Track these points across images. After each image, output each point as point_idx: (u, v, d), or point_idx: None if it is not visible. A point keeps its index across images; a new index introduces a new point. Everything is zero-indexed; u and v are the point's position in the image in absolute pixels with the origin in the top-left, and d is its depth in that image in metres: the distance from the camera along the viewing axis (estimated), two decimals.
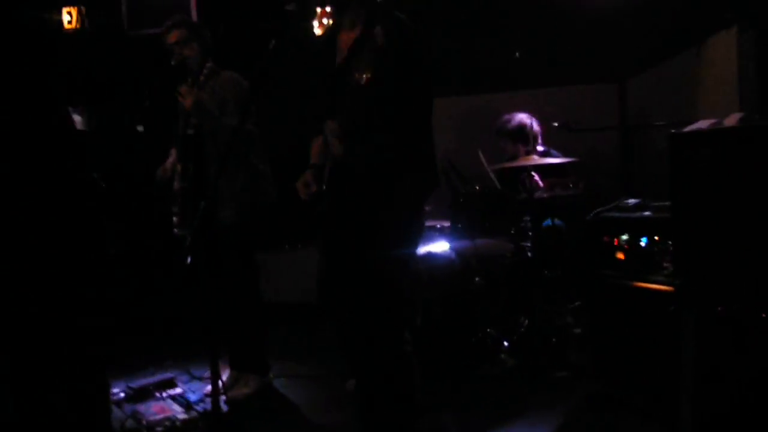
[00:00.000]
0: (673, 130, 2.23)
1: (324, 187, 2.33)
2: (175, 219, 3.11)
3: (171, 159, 3.21)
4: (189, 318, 3.59)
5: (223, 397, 2.97)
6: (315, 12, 4.25)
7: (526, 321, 3.44)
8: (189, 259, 2.85)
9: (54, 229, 1.85)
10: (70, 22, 4.97)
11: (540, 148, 4.00)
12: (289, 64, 3.40)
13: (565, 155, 3.77)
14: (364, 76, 2.12)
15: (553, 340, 3.36)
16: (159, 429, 2.73)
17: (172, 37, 3.09)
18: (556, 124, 3.64)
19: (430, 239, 3.62)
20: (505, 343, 3.36)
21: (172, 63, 3.06)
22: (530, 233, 3.59)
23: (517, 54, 4.62)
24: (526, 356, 3.29)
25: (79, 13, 4.95)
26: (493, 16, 4.27)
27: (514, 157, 3.81)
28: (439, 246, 3.58)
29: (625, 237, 2.81)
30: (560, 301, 3.61)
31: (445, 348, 3.29)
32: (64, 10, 4.92)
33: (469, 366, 3.25)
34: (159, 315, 4.07)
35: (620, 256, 2.83)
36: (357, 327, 2.28)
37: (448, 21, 4.26)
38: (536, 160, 3.50)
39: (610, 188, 4.07)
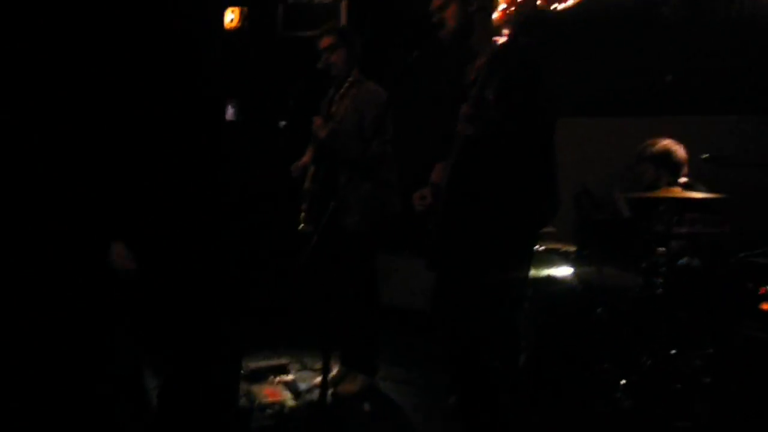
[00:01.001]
0: None
1: (439, 205, 2.35)
2: (302, 216, 3.26)
3: (305, 158, 3.37)
4: (307, 311, 3.73)
5: (330, 391, 3.07)
6: None
7: (649, 362, 3.22)
8: (307, 257, 2.98)
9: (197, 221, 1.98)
10: (232, 21, 5.36)
11: (684, 179, 3.74)
12: (427, 75, 3.44)
13: (711, 191, 3.50)
14: (491, 96, 2.12)
15: (678, 386, 3.12)
16: (268, 411, 2.87)
17: (323, 42, 3.24)
18: (705, 156, 3.39)
19: (552, 263, 3.51)
20: (623, 382, 3.18)
21: (318, 66, 3.20)
22: (663, 269, 3.37)
23: (668, 77, 4.35)
24: (644, 399, 3.09)
25: (241, 13, 5.34)
26: (646, 34, 4.05)
27: (654, 186, 3.59)
28: (562, 271, 3.46)
29: None
30: (690, 347, 3.35)
31: (557, 378, 3.17)
32: (229, 10, 5.32)
33: (579, 400, 3.11)
34: (278, 305, 4.25)
35: (765, 306, 2.60)
36: (454, 343, 2.30)
37: (593, 38, 4.10)
38: (677, 192, 3.27)
39: (761, 232, 3.71)
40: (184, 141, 1.72)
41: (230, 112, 5.03)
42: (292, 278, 3.62)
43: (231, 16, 5.37)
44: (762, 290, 2.58)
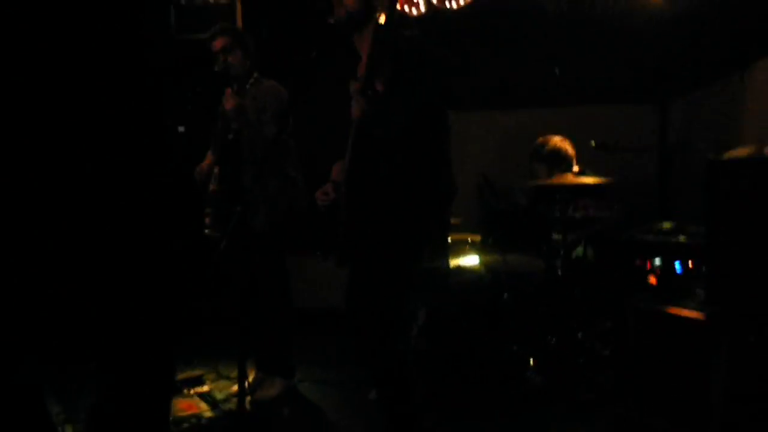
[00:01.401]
0: (711, 157, 2.21)
1: (341, 199, 2.38)
2: (207, 220, 3.19)
3: (207, 161, 3.30)
4: (218, 318, 3.66)
5: (248, 398, 3.03)
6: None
7: (554, 340, 3.41)
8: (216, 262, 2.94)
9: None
10: None
11: (575, 168, 3.97)
12: (326, 74, 3.46)
13: (601, 176, 3.74)
14: (378, 86, 2.18)
15: (581, 361, 3.32)
16: (185, 425, 2.79)
17: (217, 44, 3.18)
18: (593, 143, 3.61)
19: (460, 253, 3.62)
20: (532, 362, 3.34)
21: (216, 69, 3.14)
22: (561, 252, 3.57)
23: (556, 70, 4.60)
24: (552, 376, 3.26)
25: None
26: (533, 30, 4.26)
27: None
28: (469, 260, 3.58)
29: (658, 261, 2.78)
30: (589, 323, 3.57)
31: (470, 363, 3.29)
32: None
33: (493, 383, 3.24)
34: (188, 313, 4.14)
35: (652, 280, 2.81)
36: (370, 336, 2.34)
37: (487, 35, 4.27)
38: (571, 179, 3.48)
39: (647, 212, 4.01)
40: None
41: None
42: (203, 285, 3.54)
43: None
44: (648, 265, 2.78)
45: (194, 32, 4.73)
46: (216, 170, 3.20)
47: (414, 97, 2.19)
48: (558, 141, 3.93)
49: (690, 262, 2.70)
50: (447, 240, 2.84)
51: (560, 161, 3.89)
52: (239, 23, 4.53)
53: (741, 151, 2.21)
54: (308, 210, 3.19)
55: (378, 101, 2.20)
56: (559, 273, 3.54)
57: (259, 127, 3.06)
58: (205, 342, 3.94)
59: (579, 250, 3.70)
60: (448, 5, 4.12)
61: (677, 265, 2.74)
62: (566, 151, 3.90)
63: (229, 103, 2.98)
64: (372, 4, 2.30)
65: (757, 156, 2.09)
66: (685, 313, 2.51)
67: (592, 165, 3.97)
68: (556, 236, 3.56)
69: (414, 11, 4.24)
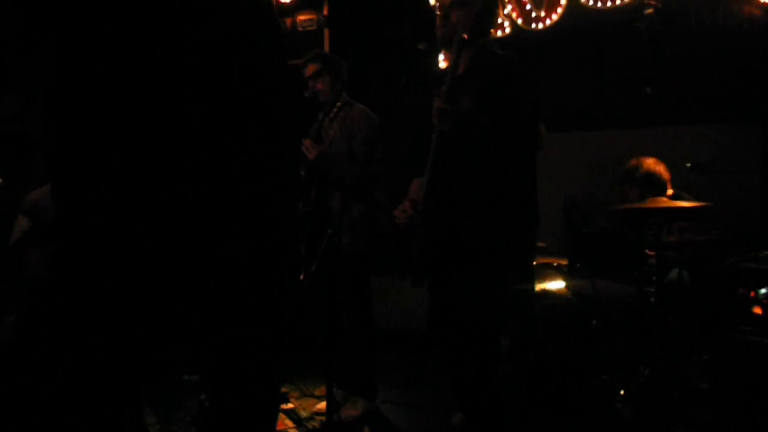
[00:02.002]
0: None
1: (418, 217, 2.37)
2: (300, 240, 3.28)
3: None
4: (304, 336, 3.72)
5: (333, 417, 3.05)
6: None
7: (647, 371, 3.25)
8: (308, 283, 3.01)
9: None
10: None
11: (670, 191, 3.80)
12: (416, 99, 3.50)
13: (697, 199, 3.56)
14: (466, 103, 2.17)
15: (676, 394, 3.15)
16: None
17: (308, 70, 3.28)
18: (689, 165, 3.45)
19: (546, 277, 3.54)
20: (622, 392, 3.19)
21: (306, 95, 3.24)
22: (654, 278, 3.41)
23: (648, 89, 4.45)
24: (644, 409, 3.10)
25: None
26: (624, 48, 4.14)
27: None
28: (556, 284, 3.49)
29: (763, 290, 2.61)
30: (685, 353, 3.38)
31: (557, 390, 3.19)
32: None
33: (581, 413, 3.12)
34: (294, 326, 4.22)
35: (757, 310, 2.64)
36: (456, 359, 2.31)
37: (575, 54, 4.19)
38: (665, 202, 3.33)
39: (748, 237, 3.78)
40: None
41: None
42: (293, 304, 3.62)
43: None
44: (753, 294, 2.61)
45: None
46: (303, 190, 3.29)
47: (502, 116, 2.17)
48: (651, 163, 3.77)
49: None
50: (532, 263, 2.78)
51: (654, 184, 3.74)
52: (327, 48, 4.68)
53: None
54: (392, 231, 3.22)
55: (463, 118, 2.20)
56: (652, 300, 3.38)
57: (347, 156, 3.13)
58: (290, 359, 4.01)
59: (674, 275, 3.53)
60: (534, 26, 4.09)
61: None
62: (660, 173, 3.74)
63: (312, 153, 3.07)
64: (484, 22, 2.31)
65: None
66: None
67: (688, 188, 3.79)
68: (649, 261, 3.41)
69: (499, 33, 4.23)
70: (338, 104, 3.27)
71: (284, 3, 4.80)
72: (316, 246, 3.22)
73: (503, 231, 2.24)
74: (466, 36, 2.22)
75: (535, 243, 2.61)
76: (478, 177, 2.23)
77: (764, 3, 3.95)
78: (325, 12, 4.76)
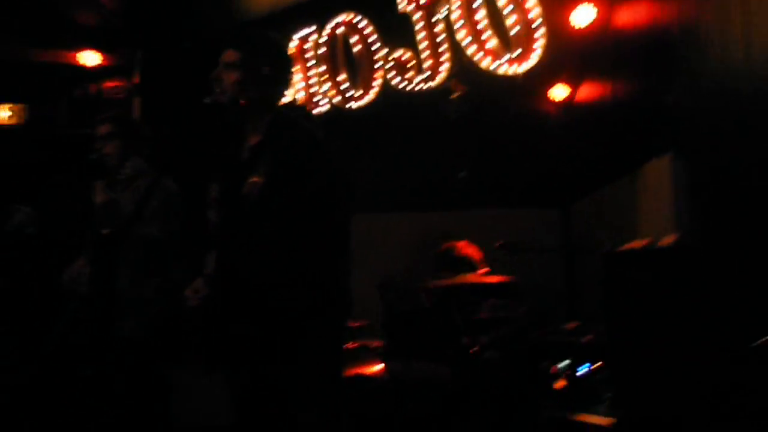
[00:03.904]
0: (607, 250, 2.13)
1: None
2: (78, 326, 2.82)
3: (80, 262, 2.96)
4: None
5: None
6: None
7: None
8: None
9: None
10: (10, 118, 4.87)
11: (483, 270, 3.88)
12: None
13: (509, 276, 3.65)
14: (255, 179, 2.00)
15: None
16: None
17: (99, 131, 2.96)
18: (497, 245, 3.54)
19: (361, 359, 3.36)
20: None
21: (90, 158, 2.90)
22: (468, 358, 3.37)
23: (462, 173, 4.61)
24: None
25: (20, 110, 4.87)
26: (436, 133, 4.28)
27: None
28: (371, 367, 3.32)
29: (564, 363, 2.63)
30: None
31: None
32: (5, 107, 4.83)
33: None
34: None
35: (560, 384, 2.63)
36: None
37: (389, 136, 4.25)
38: (473, 278, 3.35)
39: (556, 313, 3.93)
40: None
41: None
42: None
43: (8, 113, 4.89)
44: (554, 368, 2.62)
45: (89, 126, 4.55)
46: (88, 271, 2.86)
47: (296, 190, 2.03)
48: (463, 246, 3.84)
49: (599, 362, 2.55)
50: (338, 350, 2.57)
51: (466, 265, 3.79)
52: (137, 114, 4.36)
53: (636, 244, 2.14)
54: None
55: (254, 192, 2.03)
56: (466, 381, 3.32)
57: (134, 225, 2.80)
58: None
59: (488, 354, 3.52)
60: (350, 105, 4.12)
61: (585, 366, 2.58)
62: (471, 255, 3.81)
63: (99, 196, 2.73)
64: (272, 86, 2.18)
65: (650, 247, 2.02)
66: (594, 420, 2.33)
67: (499, 268, 3.88)
68: (463, 340, 3.37)
69: (315, 111, 4.20)
70: (127, 171, 2.95)
71: (88, 67, 4.44)
72: (98, 334, 2.81)
73: (298, 319, 2.05)
74: (243, 102, 2.08)
75: (342, 327, 2.43)
76: (267, 262, 2.04)
77: (559, 100, 4.34)
78: (137, 80, 4.47)
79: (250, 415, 2.15)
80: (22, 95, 4.82)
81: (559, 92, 4.30)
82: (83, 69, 4.43)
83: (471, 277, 3.41)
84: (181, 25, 4.37)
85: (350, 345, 3.64)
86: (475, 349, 3.30)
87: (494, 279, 3.47)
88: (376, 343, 3.49)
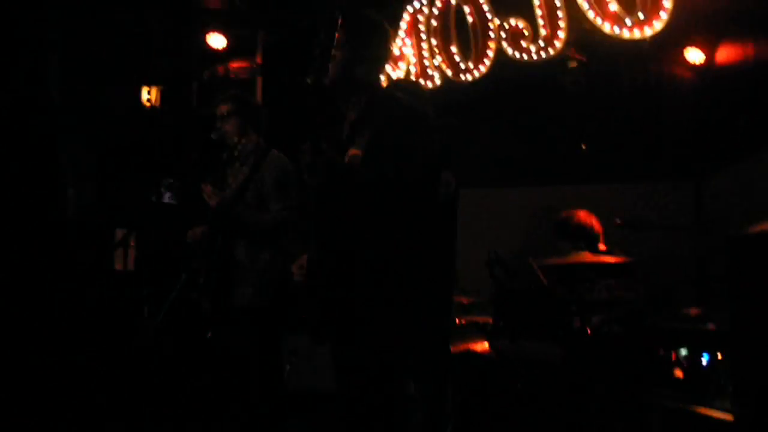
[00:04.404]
0: (732, 232, 1.94)
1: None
2: (200, 292, 3.04)
3: (203, 227, 3.17)
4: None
5: None
6: None
7: None
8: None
9: None
10: (149, 100, 5.28)
11: (601, 247, 3.69)
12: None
13: (628, 256, 3.45)
14: (354, 152, 2.01)
15: None
16: None
17: (219, 110, 3.13)
18: (618, 222, 3.35)
19: (469, 336, 3.34)
20: None
21: (212, 136, 3.07)
22: (583, 338, 3.24)
23: (583, 146, 4.38)
24: None
25: (157, 92, 5.26)
26: (560, 105, 4.07)
27: None
28: (479, 345, 3.29)
29: (684, 351, 2.46)
30: (613, 419, 3.17)
31: None
32: (144, 89, 5.25)
33: None
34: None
35: (678, 373, 2.46)
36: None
37: (509, 109, 4.11)
38: (589, 257, 3.20)
39: (681, 295, 3.65)
40: None
41: (167, 196, 4.89)
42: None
43: (147, 96, 5.30)
44: (674, 356, 2.45)
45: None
46: (207, 237, 3.06)
47: (394, 164, 2.03)
48: (583, 216, 3.67)
49: (719, 353, 2.36)
50: (447, 324, 2.59)
51: (585, 237, 3.62)
52: (259, 95, 4.57)
53: (766, 225, 1.93)
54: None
55: (335, 170, 2.06)
56: (579, 361, 3.20)
57: (256, 200, 2.95)
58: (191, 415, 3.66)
59: (601, 336, 3.36)
60: (463, 78, 4.03)
61: (705, 356, 2.40)
62: (591, 225, 3.63)
63: (212, 200, 2.90)
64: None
65: None
66: (714, 413, 2.16)
67: (621, 244, 3.67)
68: (575, 320, 3.24)
69: (429, 84, 4.16)
70: (246, 147, 3.10)
71: (217, 50, 4.70)
72: (221, 300, 3.01)
73: (403, 292, 2.07)
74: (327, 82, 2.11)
75: (448, 302, 2.44)
76: (369, 235, 2.06)
77: (693, 64, 3.98)
78: (259, 60, 4.67)
79: (352, 384, 2.20)
80: (159, 78, 5.19)
81: (692, 56, 3.94)
82: (211, 51, 4.69)
83: (585, 256, 3.26)
84: (300, 5, 4.48)
85: (460, 321, 3.65)
86: (588, 330, 3.18)
87: (610, 258, 3.29)
88: (485, 320, 3.46)
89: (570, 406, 3.15)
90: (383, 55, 2.22)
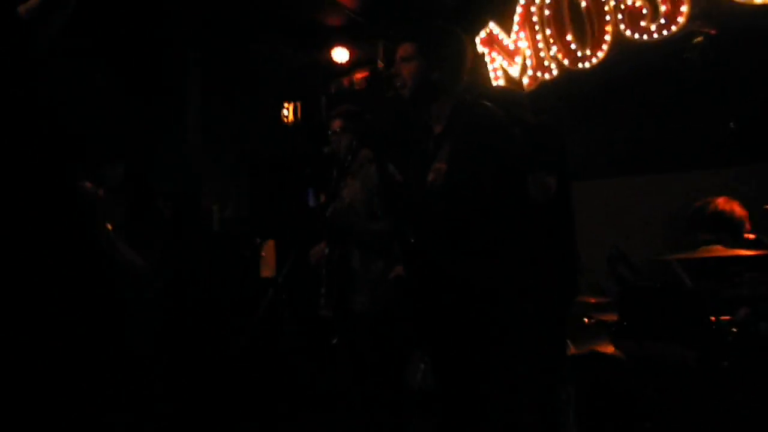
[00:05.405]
0: None
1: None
2: (321, 300, 3.23)
3: (323, 244, 3.36)
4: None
5: None
6: None
7: None
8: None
9: None
10: (287, 116, 5.68)
11: (751, 236, 3.32)
12: None
13: None
14: (439, 166, 2.04)
15: None
16: None
17: (333, 125, 3.30)
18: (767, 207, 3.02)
19: (595, 336, 3.21)
20: None
21: (325, 151, 3.25)
22: (728, 338, 2.95)
23: (731, 125, 3.96)
24: None
25: (294, 108, 5.64)
26: (691, 84, 3.73)
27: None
28: (605, 346, 3.14)
29: None
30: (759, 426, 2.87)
31: None
32: (285, 106, 5.65)
33: None
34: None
35: None
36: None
37: (621, 96, 3.85)
38: (720, 251, 2.92)
39: None
40: None
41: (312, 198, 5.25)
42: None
43: (286, 112, 5.70)
44: None
45: None
46: (327, 250, 3.25)
47: (479, 173, 2.04)
48: (722, 202, 3.33)
49: None
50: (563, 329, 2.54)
51: (725, 226, 3.28)
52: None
53: None
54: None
55: (439, 177, 2.10)
56: (723, 364, 2.92)
57: (366, 212, 3.08)
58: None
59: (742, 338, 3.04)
60: (581, 66, 3.84)
61: None
62: (732, 212, 3.29)
63: (327, 210, 3.07)
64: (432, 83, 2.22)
65: None
66: None
67: None
68: (711, 320, 2.97)
69: (547, 76, 4.02)
70: (360, 162, 3.23)
71: (342, 63, 4.93)
72: (340, 309, 3.18)
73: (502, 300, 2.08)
74: (405, 93, 2.16)
75: (562, 306, 2.39)
76: (459, 247, 2.09)
77: None
78: (380, 66, 4.82)
79: (452, 388, 2.23)
80: (295, 95, 5.56)
81: None
82: (337, 65, 4.94)
83: (719, 250, 2.97)
84: (415, 9, 4.55)
85: (586, 320, 3.50)
86: (728, 331, 2.91)
87: (751, 251, 2.96)
88: (613, 319, 3.29)
89: (705, 414, 2.91)
90: (460, 60, 2.23)
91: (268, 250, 4.93)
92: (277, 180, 5.45)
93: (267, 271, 4.89)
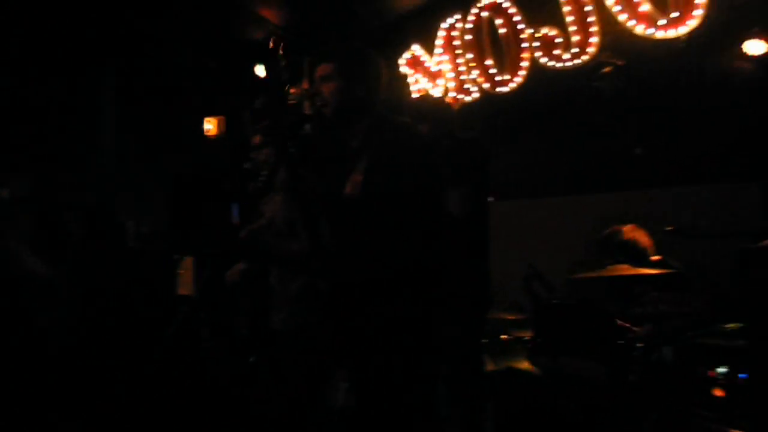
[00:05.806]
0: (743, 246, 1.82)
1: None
2: (239, 319, 3.17)
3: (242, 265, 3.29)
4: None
5: None
6: None
7: None
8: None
9: None
10: (210, 129, 5.56)
11: (656, 257, 3.49)
12: None
13: (687, 266, 3.26)
14: (355, 178, 2.05)
15: None
16: None
17: (255, 140, 3.26)
18: (669, 229, 3.18)
19: (512, 353, 3.28)
20: None
21: (245, 166, 3.20)
22: (634, 355, 3.08)
23: (637, 150, 4.17)
24: None
25: (218, 122, 5.53)
26: (602, 111, 3.92)
27: None
28: (521, 362, 3.22)
29: (723, 369, 2.31)
30: None
31: None
32: (206, 120, 5.54)
33: None
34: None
35: (718, 392, 2.32)
36: None
37: (548, 119, 4.00)
38: (626, 270, 3.05)
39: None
40: None
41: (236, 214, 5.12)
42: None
43: (210, 126, 5.58)
44: (712, 373, 2.30)
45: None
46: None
47: (397, 184, 2.06)
48: (629, 230, 3.50)
49: None
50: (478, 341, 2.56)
51: (632, 253, 3.44)
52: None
53: None
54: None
55: (356, 189, 2.10)
56: (630, 379, 3.04)
57: (288, 231, 3.05)
58: None
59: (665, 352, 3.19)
60: (500, 89, 3.98)
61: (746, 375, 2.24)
62: (638, 241, 3.46)
63: (243, 231, 3.02)
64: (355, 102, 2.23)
65: None
66: None
67: (676, 255, 3.47)
68: (619, 337, 3.09)
69: (468, 98, 4.14)
70: (281, 177, 3.20)
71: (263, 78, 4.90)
72: (257, 325, 3.11)
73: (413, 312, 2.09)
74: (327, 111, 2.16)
75: (476, 321, 2.42)
76: (372, 258, 2.10)
77: (754, 56, 3.74)
78: (305, 86, 4.82)
79: (372, 405, 2.22)
80: (219, 109, 5.47)
81: (753, 47, 3.70)
82: (260, 80, 4.89)
83: (626, 269, 3.11)
84: (340, 28, 4.59)
85: (503, 337, 3.57)
86: (634, 347, 3.04)
87: (655, 270, 3.12)
88: (529, 335, 3.37)
89: (612, 427, 3.01)
90: (376, 79, 2.26)
91: (186, 267, 4.78)
92: (198, 195, 5.31)
93: (184, 288, 4.74)
